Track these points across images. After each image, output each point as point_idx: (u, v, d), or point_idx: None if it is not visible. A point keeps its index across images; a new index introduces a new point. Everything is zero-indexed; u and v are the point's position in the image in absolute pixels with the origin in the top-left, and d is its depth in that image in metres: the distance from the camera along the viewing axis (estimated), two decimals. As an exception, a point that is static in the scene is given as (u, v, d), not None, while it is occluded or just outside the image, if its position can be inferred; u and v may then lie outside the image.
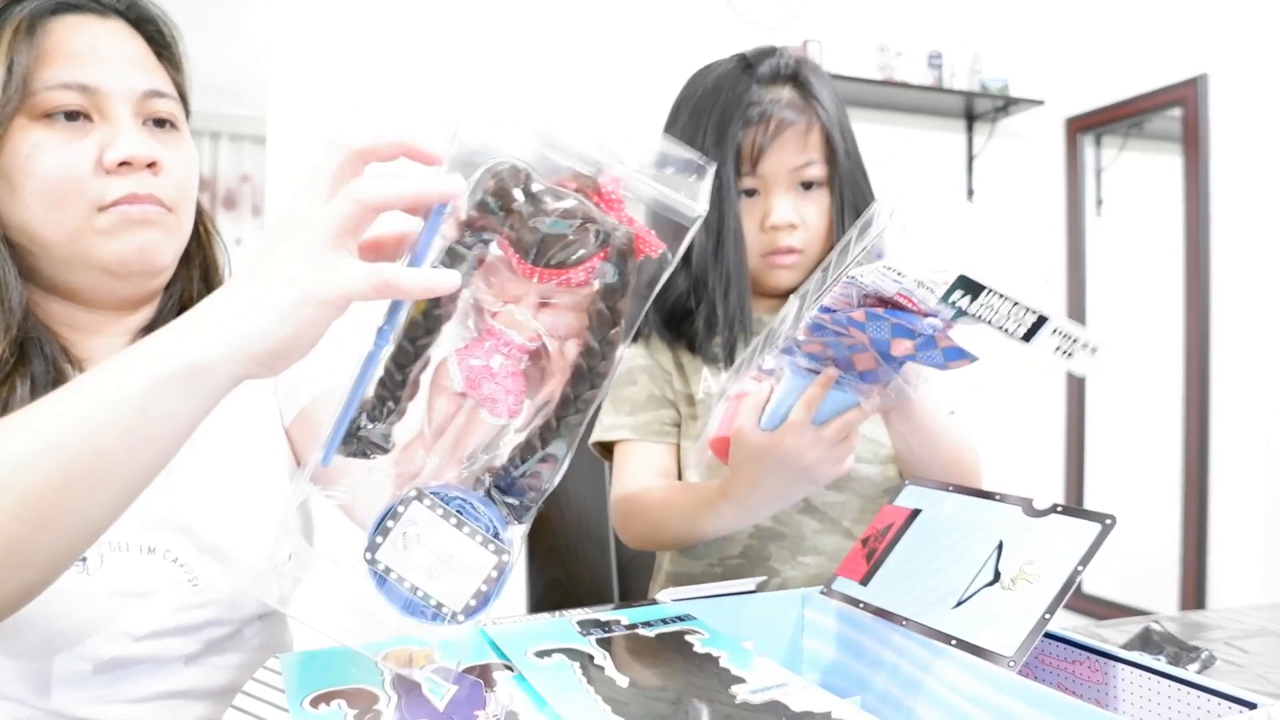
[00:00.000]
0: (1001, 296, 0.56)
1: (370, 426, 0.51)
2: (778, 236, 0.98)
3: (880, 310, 0.61)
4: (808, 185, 0.99)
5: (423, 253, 0.49)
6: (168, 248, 0.78)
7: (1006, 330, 0.57)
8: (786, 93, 0.99)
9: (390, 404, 0.51)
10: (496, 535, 0.50)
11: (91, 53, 0.74)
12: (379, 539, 0.50)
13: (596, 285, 0.50)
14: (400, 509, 0.50)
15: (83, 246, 0.74)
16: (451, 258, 0.50)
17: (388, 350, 0.50)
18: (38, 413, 0.52)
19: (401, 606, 0.51)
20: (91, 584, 0.72)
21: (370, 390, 0.51)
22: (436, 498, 0.50)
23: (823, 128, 0.98)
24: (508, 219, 0.49)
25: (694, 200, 0.50)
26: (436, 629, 0.51)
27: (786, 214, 0.97)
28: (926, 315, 0.60)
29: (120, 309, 0.81)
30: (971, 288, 0.56)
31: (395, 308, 0.50)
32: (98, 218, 0.73)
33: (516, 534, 0.52)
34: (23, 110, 0.71)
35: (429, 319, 0.50)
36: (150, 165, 0.75)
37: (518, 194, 0.48)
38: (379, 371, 0.51)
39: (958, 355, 0.64)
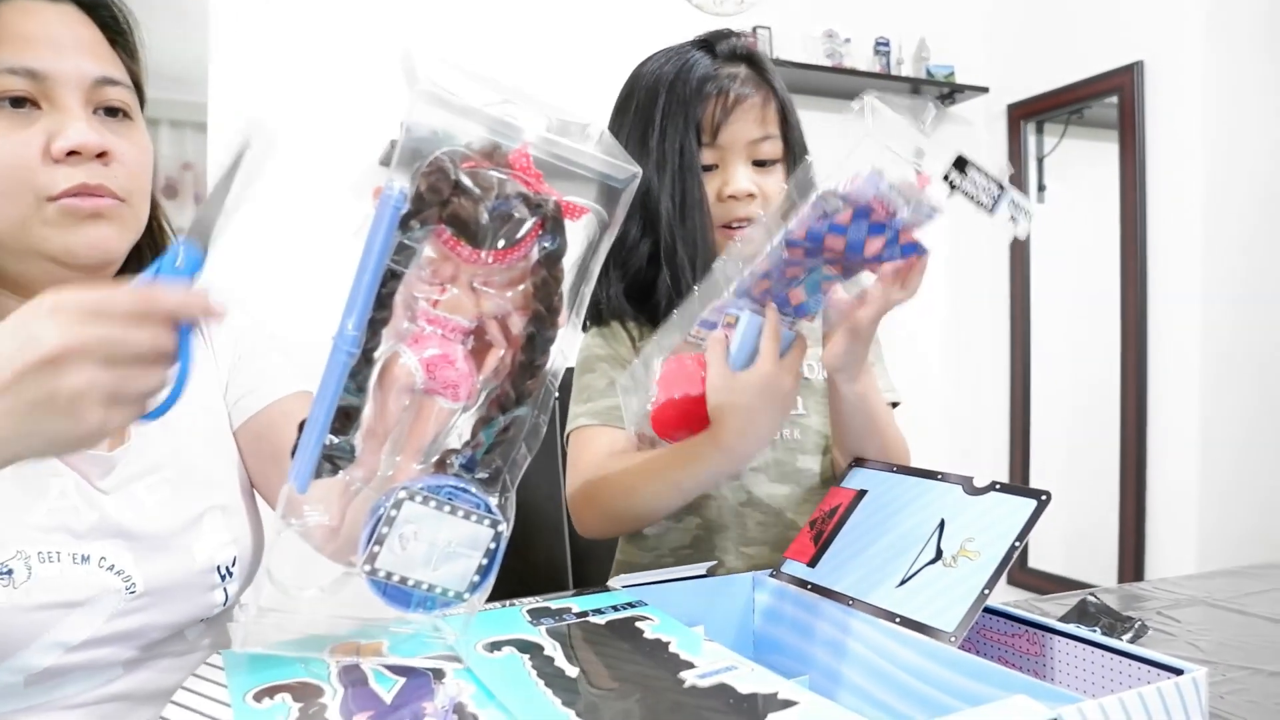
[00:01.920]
0: (980, 171, 0.70)
1: (336, 441, 0.51)
2: (736, 207, 0.99)
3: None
4: (763, 163, 1.01)
5: (381, 253, 0.49)
6: (121, 240, 0.76)
7: (980, 201, 0.70)
8: (743, 70, 1.01)
9: (348, 415, 0.51)
10: (488, 509, 0.52)
11: (40, 38, 0.71)
12: (376, 548, 0.50)
13: (535, 256, 0.51)
14: (393, 512, 0.50)
15: (32, 237, 0.71)
16: (401, 252, 0.50)
17: (355, 358, 0.50)
18: None
19: (406, 605, 0.52)
20: (17, 597, 0.69)
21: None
22: (426, 491, 0.51)
23: (779, 103, 1.01)
24: (444, 210, 0.49)
25: (626, 163, 0.52)
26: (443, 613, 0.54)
27: (744, 184, 0.99)
28: (893, 215, 0.70)
29: None
30: (962, 165, 0.70)
31: (361, 313, 0.50)
32: (46, 208, 0.71)
33: (499, 504, 0.53)
34: None
35: (372, 322, 0.50)
36: (100, 155, 0.72)
37: (451, 184, 0.49)
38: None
39: (913, 249, 0.73)
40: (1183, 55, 2.68)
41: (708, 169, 1.00)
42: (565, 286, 0.53)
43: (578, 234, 0.53)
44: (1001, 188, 0.70)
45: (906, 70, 3.14)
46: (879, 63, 3.10)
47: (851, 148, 0.69)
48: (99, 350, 0.51)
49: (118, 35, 0.77)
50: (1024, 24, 3.21)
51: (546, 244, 0.51)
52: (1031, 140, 3.21)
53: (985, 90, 3.18)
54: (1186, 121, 2.68)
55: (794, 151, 1.02)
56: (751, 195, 0.99)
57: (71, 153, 0.71)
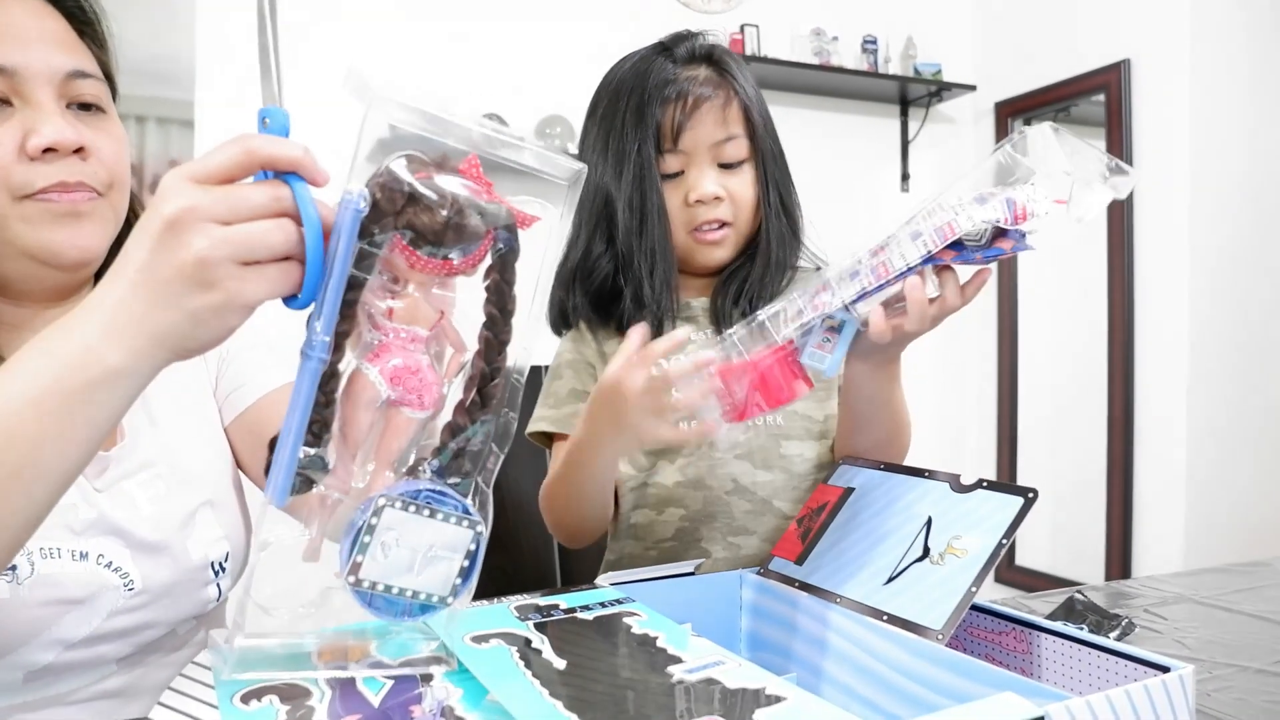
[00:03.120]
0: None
1: (309, 454, 0.51)
2: (703, 211, 0.98)
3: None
4: (730, 165, 1.00)
5: (345, 260, 0.49)
6: (102, 236, 0.75)
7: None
8: (703, 71, 1.00)
9: (318, 427, 0.51)
10: (466, 511, 0.53)
11: (7, 32, 0.70)
12: (359, 558, 0.51)
13: (489, 260, 0.52)
14: (373, 521, 0.50)
15: (11, 236, 0.70)
16: (363, 259, 0.50)
17: (325, 365, 0.50)
18: None
19: (392, 614, 0.53)
20: (22, 593, 0.69)
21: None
22: (405, 497, 0.51)
23: (741, 103, 0.99)
24: (399, 217, 0.50)
25: (569, 160, 0.53)
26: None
27: (710, 187, 0.98)
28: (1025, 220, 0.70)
29: (49, 300, 0.77)
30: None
31: (329, 319, 0.50)
32: (22, 206, 0.69)
33: (476, 507, 0.54)
34: None
35: (335, 334, 0.51)
36: (78, 151, 0.71)
37: (405, 193, 0.50)
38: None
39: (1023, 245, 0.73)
40: (1169, 54, 2.70)
41: (674, 175, 0.99)
42: (521, 288, 0.54)
43: (531, 237, 0.54)
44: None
45: (894, 68, 3.15)
46: (866, 60, 3.10)
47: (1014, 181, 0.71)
48: (214, 208, 0.49)
49: (85, 25, 0.76)
50: (1011, 22, 3.22)
51: (501, 249, 0.52)
52: (1019, 138, 3.22)
53: (973, 88, 3.19)
54: (1173, 120, 2.69)
55: (761, 151, 1.01)
56: (718, 198, 0.98)
57: (48, 150, 0.69)
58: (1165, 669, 0.53)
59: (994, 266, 0.76)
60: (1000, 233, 0.70)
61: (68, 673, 0.73)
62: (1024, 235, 0.70)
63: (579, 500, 0.93)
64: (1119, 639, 0.80)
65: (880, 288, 0.73)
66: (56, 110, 0.71)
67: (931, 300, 0.74)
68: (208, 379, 0.90)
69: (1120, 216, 2.80)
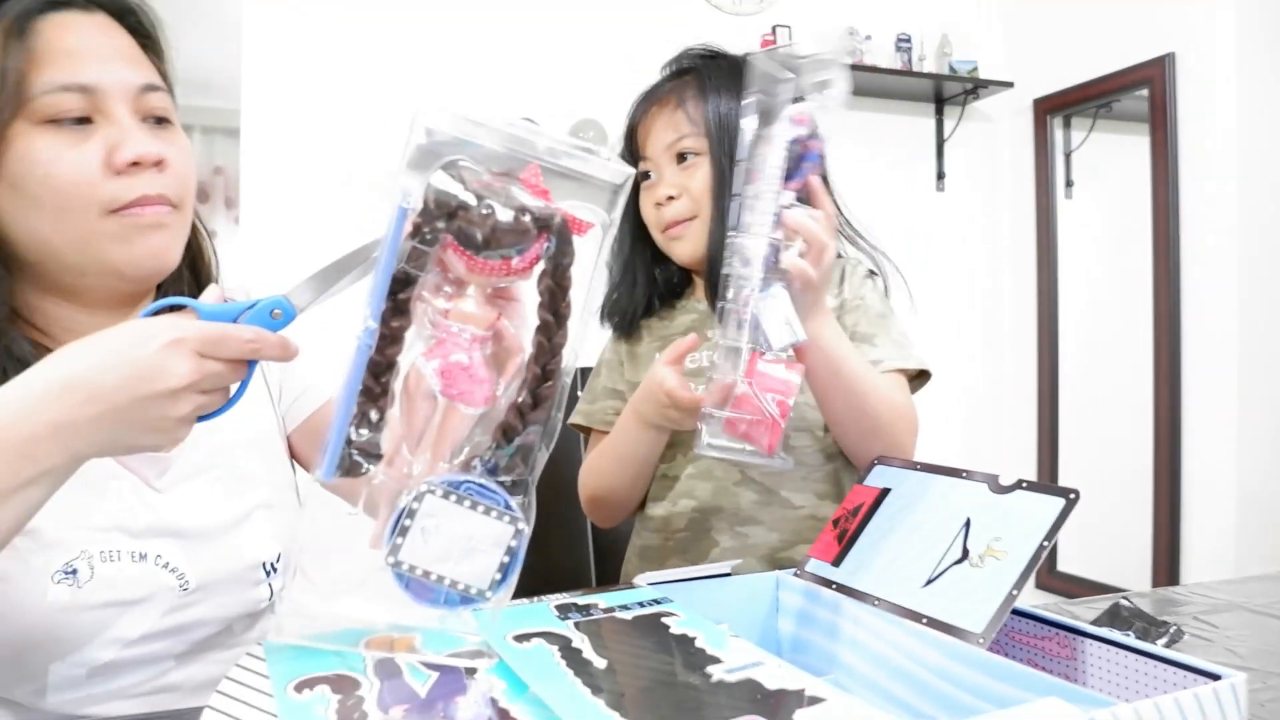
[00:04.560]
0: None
1: (362, 437, 0.54)
2: (666, 211, 1.05)
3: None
4: (684, 157, 1.05)
5: (391, 253, 0.52)
6: (177, 247, 0.78)
7: None
8: (669, 83, 1.08)
9: (374, 414, 0.54)
10: (508, 506, 0.54)
11: (85, 51, 0.72)
12: (399, 540, 0.53)
13: (543, 265, 0.54)
14: (415, 505, 0.52)
15: (94, 251, 0.73)
16: (415, 257, 0.53)
17: (371, 350, 0.53)
18: None
19: (430, 601, 0.54)
20: (83, 596, 0.72)
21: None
22: (447, 486, 0.53)
23: (693, 104, 1.04)
24: (454, 220, 0.52)
25: (621, 166, 0.56)
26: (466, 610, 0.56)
27: (663, 188, 1.05)
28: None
29: (119, 307, 0.80)
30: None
31: (375, 308, 0.52)
32: (108, 222, 0.72)
33: (520, 505, 0.55)
34: (21, 115, 0.69)
35: (392, 328, 0.53)
36: (157, 164, 0.74)
37: (461, 195, 0.52)
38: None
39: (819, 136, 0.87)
40: (1215, 46, 2.64)
41: (647, 181, 1.07)
42: (574, 291, 0.56)
43: (584, 242, 0.56)
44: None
45: (929, 66, 3.12)
46: (900, 59, 3.07)
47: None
48: (208, 383, 0.58)
49: (147, 40, 0.79)
50: (1048, 17, 3.17)
51: (554, 255, 0.54)
52: (1059, 135, 3.17)
53: (1010, 85, 3.14)
54: (1220, 114, 2.63)
55: (717, 144, 1.03)
56: (671, 198, 1.04)
57: (133, 163, 0.72)
58: (1216, 677, 0.52)
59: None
60: (805, 142, 0.83)
61: (128, 669, 0.76)
62: (817, 133, 0.84)
63: (614, 467, 1.05)
64: (1167, 646, 0.79)
65: (774, 248, 0.83)
66: (135, 124, 0.74)
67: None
68: (272, 384, 0.93)
69: (1165, 211, 2.75)
